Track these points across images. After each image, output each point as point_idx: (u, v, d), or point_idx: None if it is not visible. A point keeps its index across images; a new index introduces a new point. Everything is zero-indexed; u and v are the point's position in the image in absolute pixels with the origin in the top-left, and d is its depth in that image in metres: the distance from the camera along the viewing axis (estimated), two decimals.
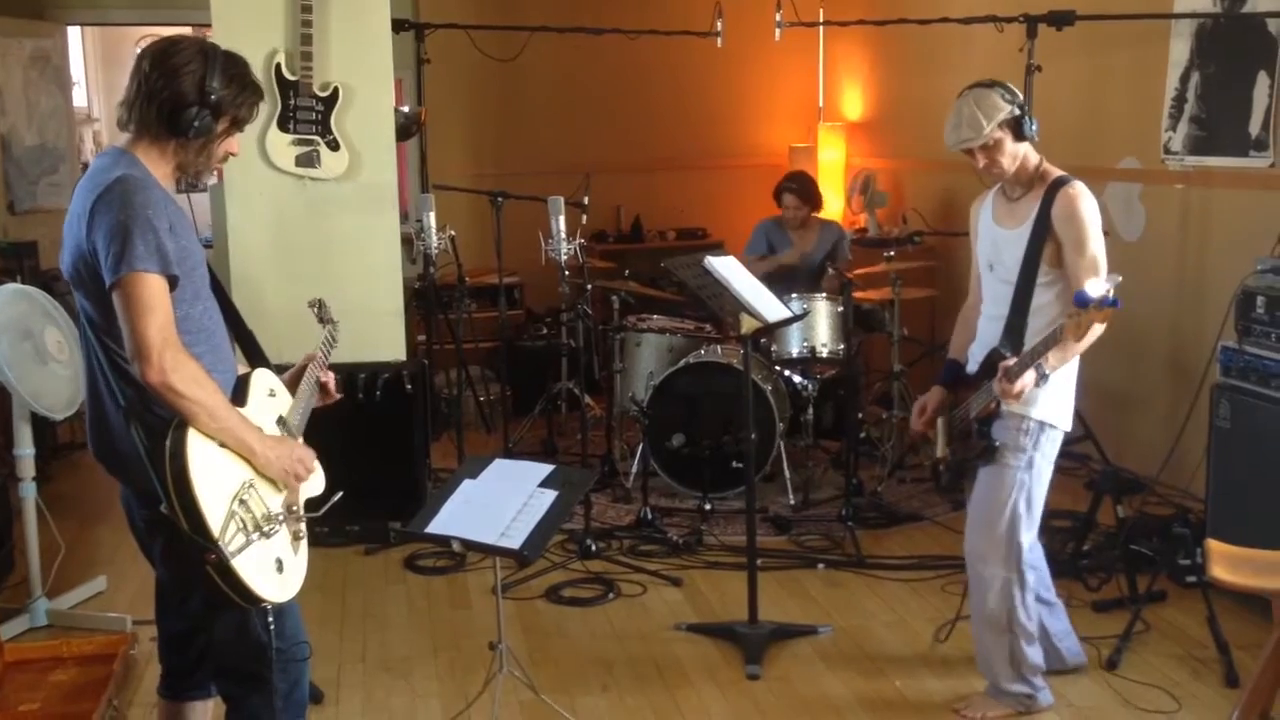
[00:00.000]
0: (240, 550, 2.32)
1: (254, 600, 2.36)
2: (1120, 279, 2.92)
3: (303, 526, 2.56)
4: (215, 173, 2.65)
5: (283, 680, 2.57)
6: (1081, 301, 2.86)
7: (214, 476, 2.33)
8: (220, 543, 2.28)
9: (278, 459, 2.48)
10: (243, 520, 2.35)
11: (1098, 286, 2.85)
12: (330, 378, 2.79)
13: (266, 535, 2.41)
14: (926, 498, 5.43)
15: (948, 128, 3.30)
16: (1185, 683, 3.69)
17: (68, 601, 4.35)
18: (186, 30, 9.21)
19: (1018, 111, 3.26)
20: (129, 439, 2.38)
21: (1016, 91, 3.32)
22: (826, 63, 8.52)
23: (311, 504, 2.63)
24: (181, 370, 2.31)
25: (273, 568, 2.42)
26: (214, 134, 2.50)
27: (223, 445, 2.39)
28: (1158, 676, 3.72)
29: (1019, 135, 3.28)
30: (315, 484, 2.65)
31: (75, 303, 2.52)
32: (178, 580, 2.57)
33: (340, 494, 2.66)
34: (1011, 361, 3.15)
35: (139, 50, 2.55)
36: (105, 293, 2.36)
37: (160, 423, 2.33)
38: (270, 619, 2.46)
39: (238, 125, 2.55)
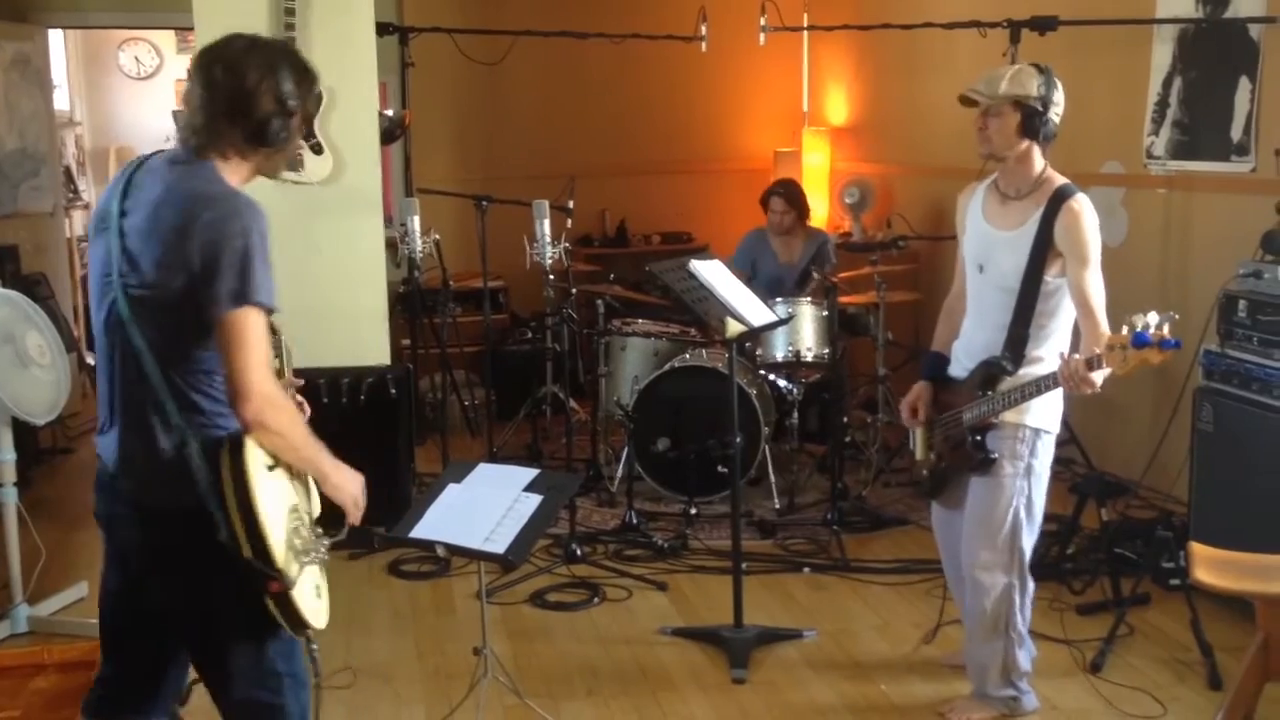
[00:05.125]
0: (297, 577, 2.28)
1: (304, 627, 2.32)
2: (1176, 316, 2.84)
3: (324, 551, 2.50)
4: None
5: (295, 704, 2.53)
6: (1140, 342, 2.78)
7: (273, 502, 2.26)
8: (284, 570, 2.23)
9: (350, 482, 2.47)
10: (295, 546, 2.30)
11: (1157, 322, 2.77)
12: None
13: (312, 561, 2.36)
14: (911, 502, 5.43)
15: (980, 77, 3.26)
16: (1169, 685, 3.70)
17: (49, 608, 4.32)
18: (168, 34, 9.24)
19: (1039, 106, 3.18)
20: (176, 461, 2.28)
21: (1058, 90, 3.22)
22: (811, 67, 8.54)
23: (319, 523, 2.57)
24: (275, 405, 2.27)
25: (314, 593, 2.38)
26: (293, 135, 2.48)
27: (272, 468, 2.32)
28: (1142, 679, 3.73)
29: (1027, 129, 3.20)
30: (315, 502, 2.58)
31: (103, 313, 2.34)
32: (196, 613, 2.41)
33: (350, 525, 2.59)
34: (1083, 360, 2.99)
35: (200, 53, 2.43)
36: (182, 311, 2.25)
37: (215, 445, 2.27)
38: (274, 653, 2.41)
39: (308, 121, 2.54)
